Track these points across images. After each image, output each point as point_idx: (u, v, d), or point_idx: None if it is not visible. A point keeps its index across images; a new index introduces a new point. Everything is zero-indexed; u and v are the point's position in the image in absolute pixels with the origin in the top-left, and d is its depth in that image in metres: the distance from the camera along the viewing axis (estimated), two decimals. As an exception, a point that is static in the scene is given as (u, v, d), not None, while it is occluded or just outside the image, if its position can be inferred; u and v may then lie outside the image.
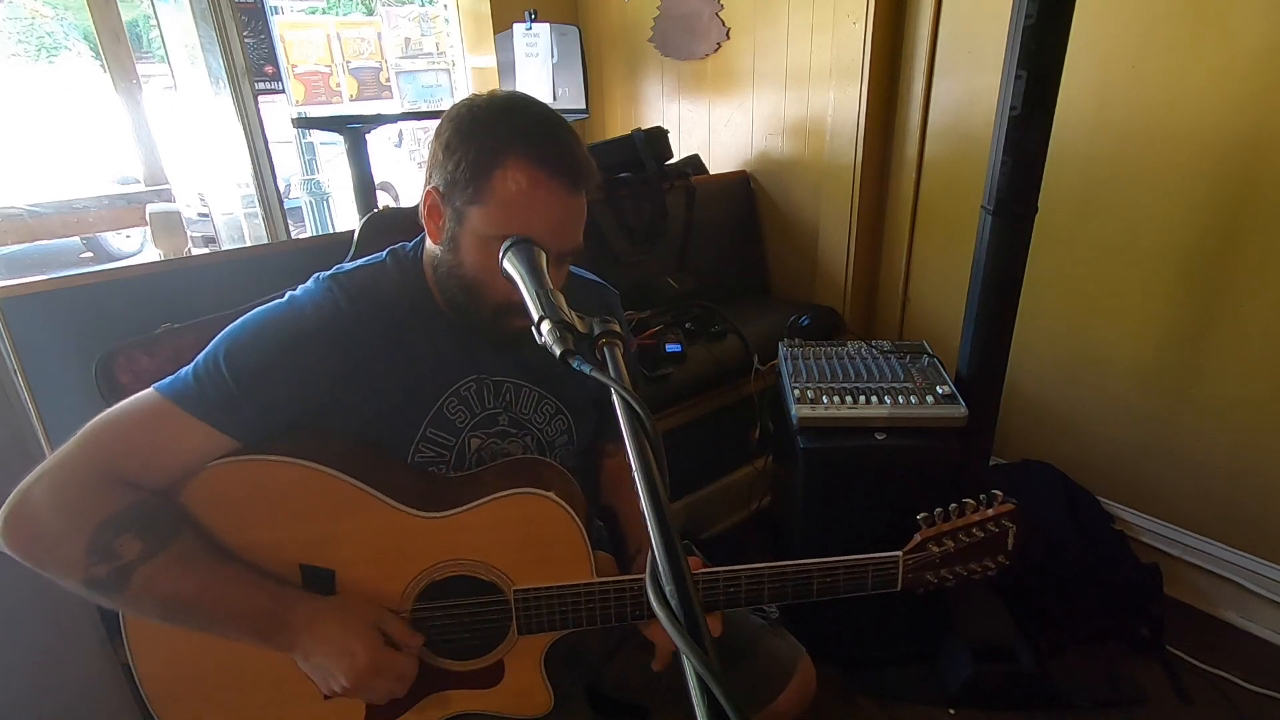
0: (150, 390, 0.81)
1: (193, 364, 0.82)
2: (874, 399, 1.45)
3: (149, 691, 0.83)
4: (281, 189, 2.41)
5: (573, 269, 1.04)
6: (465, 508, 0.83)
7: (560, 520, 0.84)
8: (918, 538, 0.89)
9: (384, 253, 0.94)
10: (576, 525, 0.84)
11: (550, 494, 0.83)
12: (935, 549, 0.89)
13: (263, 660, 0.82)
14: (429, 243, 0.89)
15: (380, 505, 0.82)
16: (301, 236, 3.43)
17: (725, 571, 0.86)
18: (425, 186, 0.86)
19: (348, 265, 0.91)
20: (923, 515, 0.90)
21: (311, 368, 0.82)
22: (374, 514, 0.82)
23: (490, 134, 0.79)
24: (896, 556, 0.89)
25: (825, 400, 1.46)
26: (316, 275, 0.89)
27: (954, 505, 0.90)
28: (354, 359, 0.84)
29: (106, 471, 0.76)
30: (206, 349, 0.82)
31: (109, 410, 0.79)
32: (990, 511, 0.89)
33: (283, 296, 0.88)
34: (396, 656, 0.82)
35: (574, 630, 0.87)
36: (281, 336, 0.83)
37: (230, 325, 0.84)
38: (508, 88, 2.66)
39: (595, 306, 1.04)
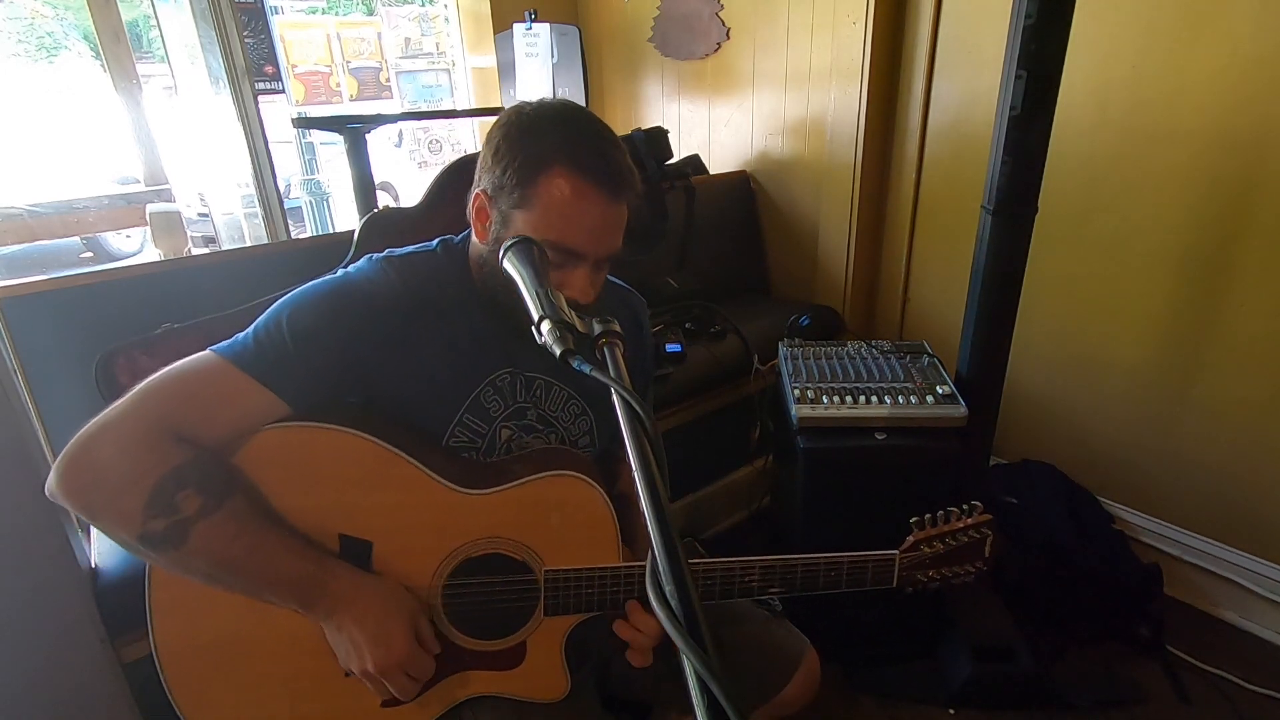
0: (208, 352, 0.82)
1: (252, 328, 0.84)
2: (874, 399, 1.45)
3: (165, 662, 0.84)
4: (281, 189, 2.41)
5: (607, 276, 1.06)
6: (506, 486, 0.86)
7: (595, 504, 0.87)
8: (911, 539, 0.95)
9: (435, 241, 0.97)
10: (609, 510, 0.87)
11: (589, 478, 0.86)
12: (927, 550, 0.95)
13: (281, 635, 0.84)
14: (475, 239, 0.92)
15: (424, 478, 0.84)
16: (301, 236, 3.43)
17: (739, 562, 0.89)
18: (474, 189, 0.89)
19: (400, 250, 0.95)
20: (914, 519, 0.96)
21: (366, 334, 0.85)
22: (417, 487, 0.84)
23: (537, 142, 0.83)
24: (894, 555, 0.94)
25: (825, 400, 1.46)
26: (369, 255, 0.93)
27: (940, 512, 0.96)
28: (403, 329, 0.88)
29: (168, 426, 0.77)
30: (266, 313, 0.85)
31: (167, 369, 0.81)
32: (970, 520, 0.96)
33: (336, 273, 0.91)
34: (423, 656, 0.83)
35: (598, 614, 0.89)
36: (339, 304, 0.86)
37: (286, 295, 0.87)
38: (507, 88, 2.66)
39: (623, 314, 1.07)
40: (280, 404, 0.82)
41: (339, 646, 0.83)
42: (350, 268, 0.92)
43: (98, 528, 0.77)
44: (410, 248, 0.96)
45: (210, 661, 0.85)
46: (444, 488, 0.84)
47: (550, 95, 0.91)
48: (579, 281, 0.86)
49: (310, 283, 0.89)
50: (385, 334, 0.87)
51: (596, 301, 0.91)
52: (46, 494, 0.75)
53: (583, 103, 2.50)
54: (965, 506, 0.97)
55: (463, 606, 0.88)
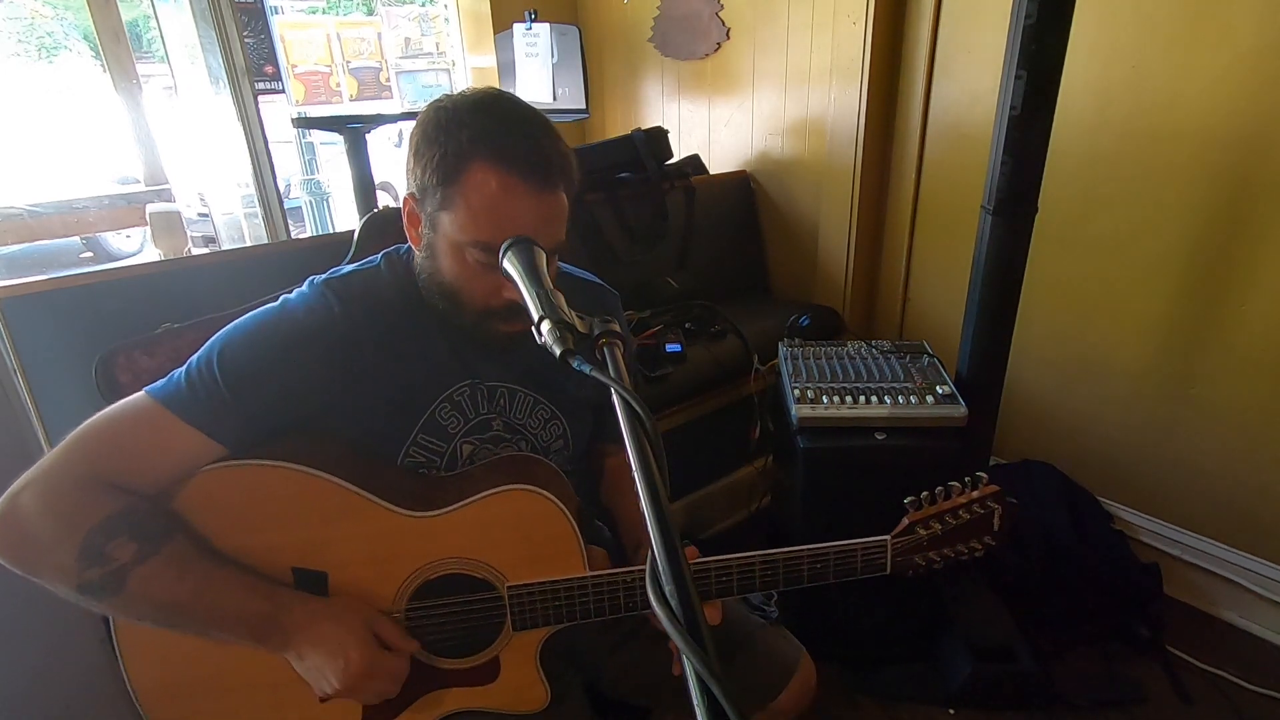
0: (142, 394, 0.80)
1: (185, 366, 0.81)
2: (874, 399, 1.45)
3: (142, 698, 0.83)
4: (281, 189, 2.41)
5: (573, 271, 1.04)
6: (456, 506, 0.83)
7: (551, 515, 0.84)
8: (905, 521, 0.91)
9: (379, 256, 0.92)
10: (568, 520, 0.84)
11: (540, 489, 0.83)
12: (923, 531, 0.91)
13: (257, 664, 0.82)
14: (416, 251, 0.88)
15: (371, 507, 0.82)
16: (301, 236, 3.43)
17: (717, 561, 0.87)
18: (403, 193, 0.85)
19: (342, 269, 0.91)
20: (910, 499, 0.92)
21: (304, 372, 0.82)
22: (365, 516, 0.82)
23: (454, 137, 0.77)
24: (884, 540, 0.90)
25: (825, 400, 1.46)
26: (310, 279, 0.89)
27: (940, 488, 0.92)
28: (347, 364, 0.84)
29: (97, 476, 0.75)
30: (200, 351, 0.82)
31: (99, 414, 0.79)
32: (975, 494, 0.92)
33: (275, 300, 0.87)
34: (388, 657, 0.81)
35: (568, 625, 0.87)
36: (275, 340, 0.82)
37: (224, 329, 0.83)
38: (507, 87, 2.66)
39: (595, 309, 1.04)
40: (216, 447, 0.79)
41: (306, 674, 0.81)
42: (290, 296, 0.87)
43: (38, 582, 0.74)
44: (352, 266, 0.91)
45: (188, 697, 0.84)
46: (392, 513, 0.82)
47: (475, 86, 0.84)
48: None
49: (247, 315, 0.84)
50: (325, 368, 0.83)
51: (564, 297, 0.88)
52: None
53: (583, 103, 2.50)
54: (968, 479, 0.92)
55: (429, 628, 0.86)
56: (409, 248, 0.92)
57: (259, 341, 0.82)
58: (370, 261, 0.92)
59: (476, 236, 0.78)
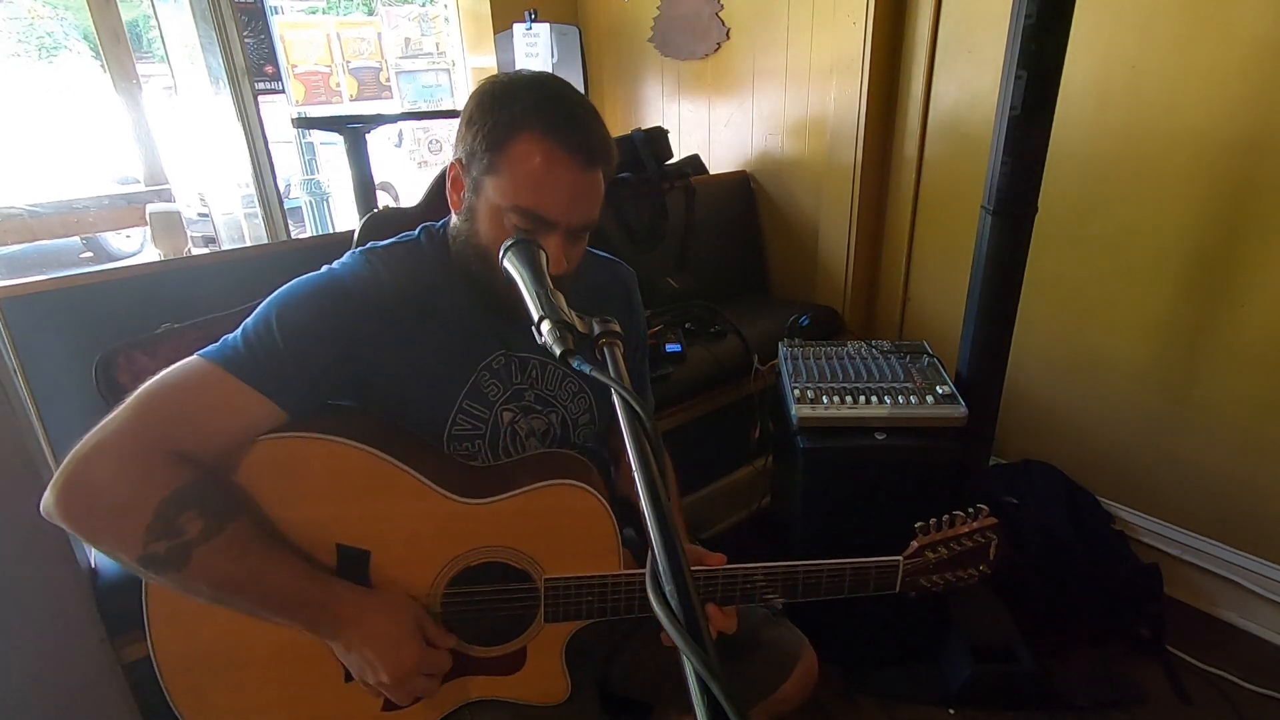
0: (198, 358, 0.80)
1: (240, 330, 0.82)
2: (874, 399, 1.45)
3: (165, 671, 0.84)
4: (281, 189, 2.41)
5: (594, 250, 1.05)
6: (505, 495, 0.85)
7: (595, 512, 0.86)
8: (915, 544, 0.94)
9: (417, 230, 0.96)
10: (610, 518, 0.86)
11: (588, 486, 0.85)
12: (930, 555, 0.94)
13: (283, 641, 0.83)
14: (453, 217, 0.91)
15: (422, 488, 0.83)
16: (301, 236, 3.43)
17: (741, 569, 0.89)
18: (450, 160, 0.89)
19: (382, 242, 0.94)
20: (919, 524, 0.96)
21: (354, 329, 0.84)
22: (415, 496, 0.83)
23: (507, 108, 0.81)
24: (897, 561, 0.93)
25: (825, 400, 1.46)
26: (353, 250, 0.92)
27: (945, 516, 0.96)
28: (393, 324, 0.86)
29: (164, 444, 0.75)
30: (254, 316, 0.83)
31: (158, 378, 0.78)
32: (975, 524, 0.96)
33: (321, 270, 0.89)
34: (435, 655, 0.83)
35: (598, 620, 0.88)
36: (330, 301, 0.85)
37: (273, 295, 0.85)
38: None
39: (613, 288, 1.07)
40: (277, 411, 0.80)
41: (352, 664, 0.82)
42: (336, 264, 0.90)
43: (97, 549, 0.75)
44: (392, 240, 0.95)
45: (210, 670, 0.84)
46: (442, 497, 0.83)
47: (531, 70, 0.88)
48: (552, 251, 0.82)
49: (297, 280, 0.87)
50: (377, 329, 0.85)
51: (578, 273, 0.89)
52: (43, 514, 0.73)
53: (583, 103, 2.50)
54: (971, 510, 0.96)
55: (462, 614, 0.87)
56: (444, 223, 0.95)
57: (314, 300, 0.84)
58: (409, 235, 0.95)
59: (516, 201, 0.81)
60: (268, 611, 0.79)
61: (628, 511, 1.08)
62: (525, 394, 0.96)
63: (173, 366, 0.80)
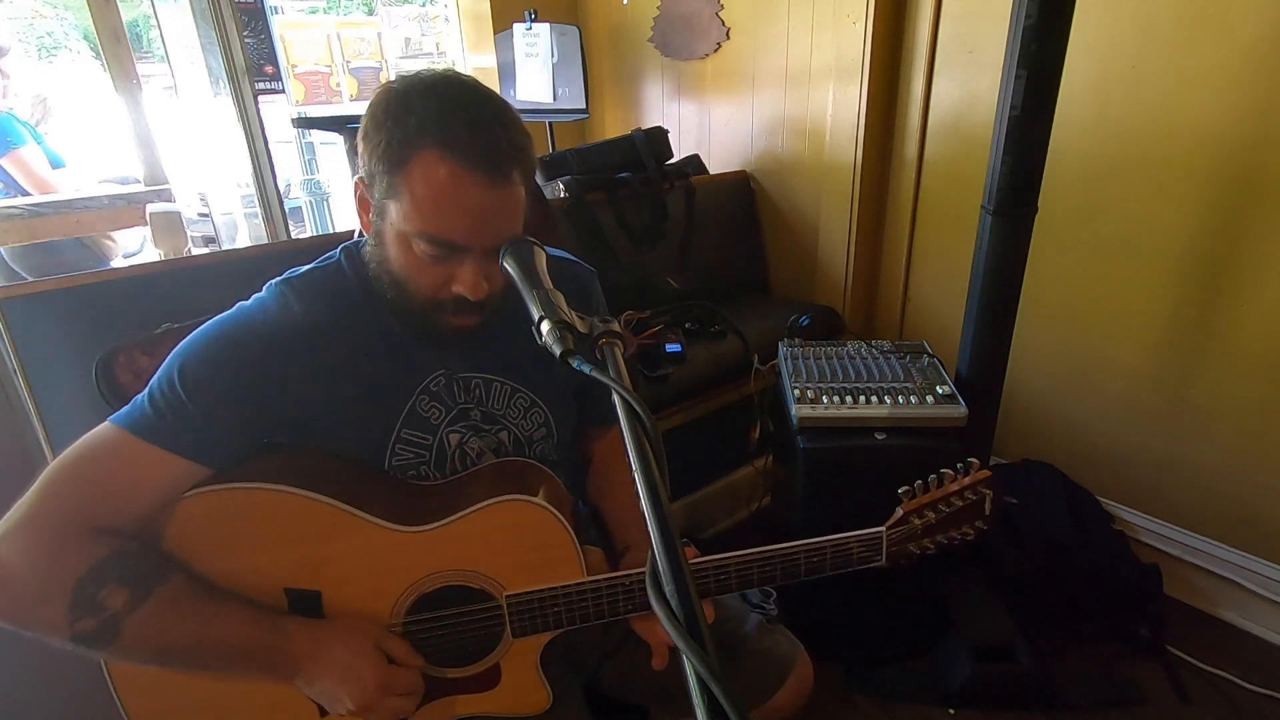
0: (107, 425, 0.76)
1: (147, 389, 0.78)
2: (874, 399, 1.45)
3: None
4: (281, 189, 2.41)
5: (547, 250, 1.02)
6: (449, 520, 0.82)
7: (547, 524, 0.83)
8: (900, 511, 0.91)
9: (338, 251, 0.89)
10: (564, 527, 0.84)
11: (535, 499, 0.83)
12: (917, 521, 0.91)
13: (253, 688, 0.81)
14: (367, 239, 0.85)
15: (362, 523, 0.80)
16: (301, 236, 3.43)
17: (714, 560, 0.86)
18: (353, 177, 0.82)
19: (301, 268, 0.88)
20: (904, 489, 0.92)
21: (268, 374, 0.79)
22: (356, 533, 0.80)
23: (401, 122, 0.73)
24: (880, 532, 0.90)
25: (825, 400, 1.46)
26: (268, 283, 0.86)
27: (933, 476, 0.92)
28: (312, 362, 0.81)
29: (77, 520, 0.72)
30: (159, 371, 0.78)
31: (66, 453, 0.75)
32: (967, 480, 0.91)
33: (233, 307, 0.84)
34: (401, 673, 0.81)
35: (568, 629, 0.87)
36: (235, 348, 0.79)
37: (181, 343, 0.80)
38: (507, 87, 2.66)
39: (569, 288, 1.03)
40: (195, 468, 0.76)
41: (319, 697, 0.80)
42: (249, 300, 0.85)
43: (30, 634, 0.71)
44: (312, 264, 0.88)
45: None
46: (384, 529, 0.80)
47: (433, 68, 0.78)
48: (467, 277, 0.77)
49: (202, 326, 0.81)
50: (290, 369, 0.80)
51: (507, 293, 0.82)
52: None
53: (583, 103, 2.50)
54: (960, 465, 0.93)
55: (427, 640, 0.85)
56: (363, 243, 0.88)
57: (218, 352, 0.79)
58: (330, 258, 0.89)
59: (422, 228, 0.75)
60: (221, 665, 0.77)
61: (594, 515, 1.07)
62: (471, 413, 0.91)
63: (84, 436, 0.76)
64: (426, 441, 0.89)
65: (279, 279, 0.86)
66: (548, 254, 0.99)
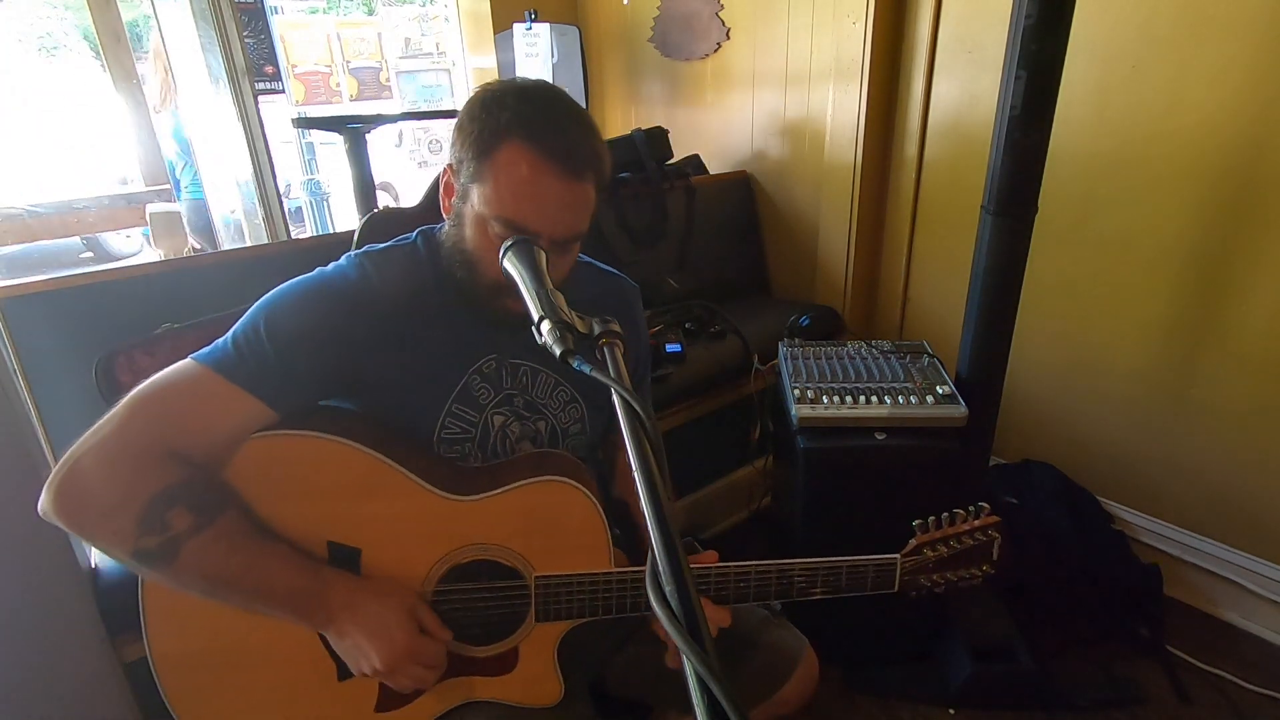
0: (190, 361, 0.82)
1: (231, 332, 0.83)
2: (874, 399, 1.45)
3: (161, 671, 0.84)
4: (281, 189, 2.41)
5: (594, 262, 1.06)
6: (494, 492, 0.85)
7: (585, 510, 0.86)
8: (913, 542, 0.93)
9: (415, 233, 0.96)
10: (600, 515, 0.86)
11: (578, 484, 0.85)
12: (930, 554, 0.93)
13: (277, 641, 0.84)
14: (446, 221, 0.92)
15: (411, 485, 0.83)
16: (301, 236, 3.43)
17: (736, 567, 0.88)
18: (445, 164, 0.89)
19: (379, 245, 0.94)
20: (917, 522, 0.94)
21: (346, 334, 0.85)
22: (404, 494, 0.83)
23: (495, 116, 0.81)
24: (895, 559, 0.92)
25: (825, 400, 1.46)
26: (348, 254, 0.92)
27: (945, 514, 0.94)
28: (382, 326, 0.87)
29: (156, 444, 0.77)
30: (244, 318, 0.84)
31: (152, 381, 0.80)
32: (977, 522, 0.94)
33: (312, 273, 0.90)
34: (429, 644, 0.83)
35: (589, 619, 0.88)
36: (317, 304, 0.86)
37: (264, 297, 0.86)
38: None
39: (613, 301, 1.06)
40: (267, 410, 0.81)
41: (345, 652, 0.82)
42: (329, 266, 0.91)
43: (94, 546, 0.77)
44: (390, 242, 0.95)
45: (206, 669, 0.84)
46: (432, 494, 0.83)
47: (527, 77, 0.89)
48: None
49: (286, 283, 0.87)
50: (366, 333, 0.86)
51: (568, 285, 0.88)
52: (40, 514, 0.75)
53: (583, 103, 2.50)
54: (972, 508, 0.95)
55: (452, 612, 0.87)
56: (441, 227, 0.95)
57: (302, 305, 0.85)
58: (407, 238, 0.96)
59: (500, 212, 0.81)
60: (260, 603, 0.80)
61: (620, 511, 1.08)
62: (515, 399, 0.96)
63: (166, 369, 0.81)
64: (473, 419, 0.93)
65: (358, 251, 0.93)
66: (591, 264, 1.03)
